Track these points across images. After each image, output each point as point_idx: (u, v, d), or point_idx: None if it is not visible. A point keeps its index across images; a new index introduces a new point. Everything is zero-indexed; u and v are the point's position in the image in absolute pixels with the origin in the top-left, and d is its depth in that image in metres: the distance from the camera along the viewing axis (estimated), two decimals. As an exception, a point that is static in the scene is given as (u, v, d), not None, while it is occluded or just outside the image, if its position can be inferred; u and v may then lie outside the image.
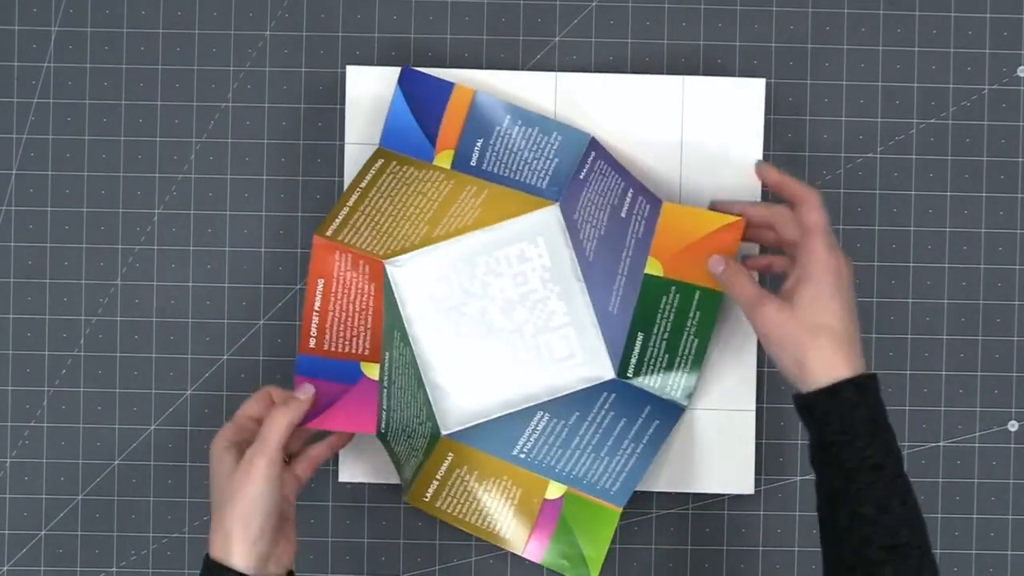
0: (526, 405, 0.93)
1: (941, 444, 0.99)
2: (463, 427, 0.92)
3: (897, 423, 0.99)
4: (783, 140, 0.99)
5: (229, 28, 0.99)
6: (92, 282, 0.99)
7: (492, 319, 0.92)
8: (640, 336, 0.94)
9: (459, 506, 0.92)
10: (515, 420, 0.93)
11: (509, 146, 0.94)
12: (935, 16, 0.99)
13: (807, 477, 0.99)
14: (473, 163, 0.93)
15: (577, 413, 0.93)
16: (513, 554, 0.99)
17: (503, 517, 0.93)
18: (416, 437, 0.92)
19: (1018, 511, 0.99)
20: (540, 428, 0.93)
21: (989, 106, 0.99)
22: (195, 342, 0.99)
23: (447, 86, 0.94)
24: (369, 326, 0.91)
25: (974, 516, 0.99)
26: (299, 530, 0.99)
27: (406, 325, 0.91)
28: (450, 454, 0.92)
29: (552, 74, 0.97)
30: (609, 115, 0.97)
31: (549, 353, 0.93)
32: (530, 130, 0.94)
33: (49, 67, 0.99)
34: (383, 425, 0.91)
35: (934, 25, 0.99)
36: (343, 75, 0.98)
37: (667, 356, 0.94)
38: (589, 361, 0.93)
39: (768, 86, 0.98)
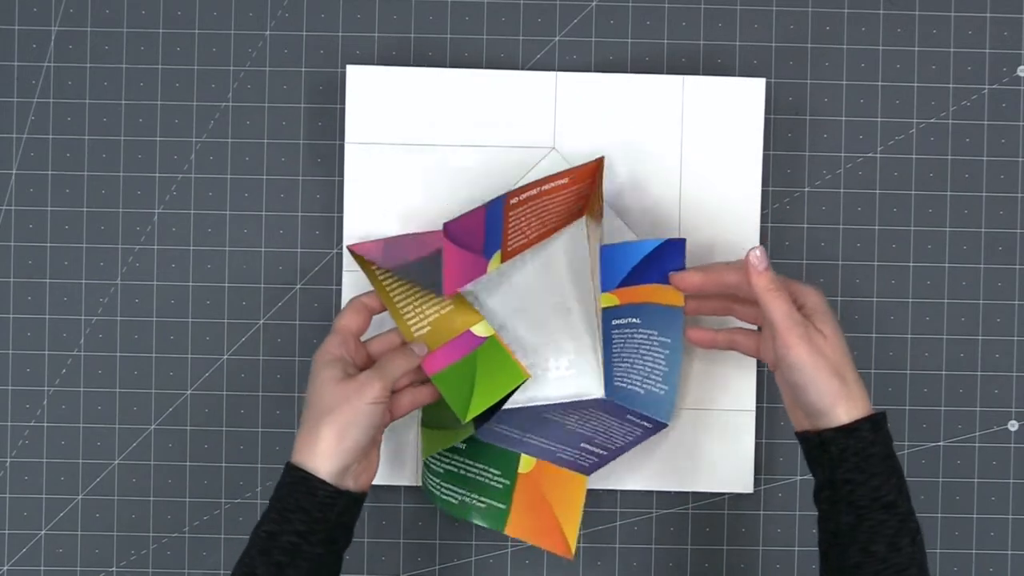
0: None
1: (941, 444, 0.99)
2: None
3: (897, 423, 0.99)
4: (783, 140, 0.99)
5: (229, 28, 0.99)
6: (92, 282, 0.99)
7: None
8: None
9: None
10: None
11: None
12: (935, 16, 0.99)
13: (807, 477, 0.99)
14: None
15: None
16: (513, 553, 0.99)
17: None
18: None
19: (1018, 511, 0.99)
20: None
21: (989, 106, 0.99)
22: (195, 342, 0.99)
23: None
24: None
25: (974, 516, 0.99)
26: (299, 530, 0.99)
27: None
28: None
29: (552, 74, 0.97)
30: (609, 115, 0.97)
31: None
32: None
33: (49, 67, 0.99)
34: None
35: (934, 25, 0.99)
36: (343, 75, 0.98)
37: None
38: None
39: (768, 86, 0.98)
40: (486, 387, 0.91)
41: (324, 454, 0.83)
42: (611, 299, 0.93)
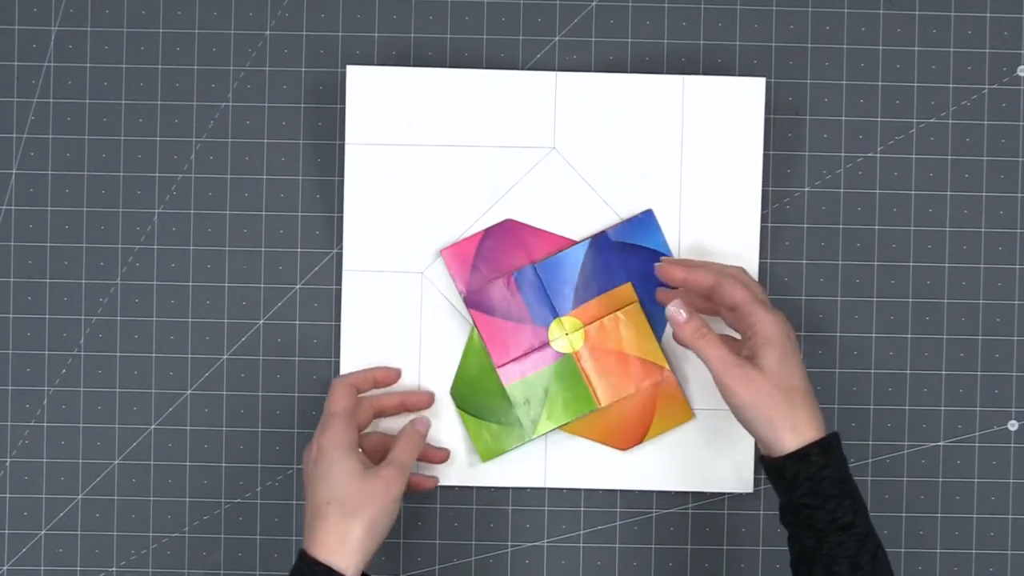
0: None
1: (941, 444, 0.99)
2: None
3: (897, 423, 0.99)
4: (783, 140, 0.99)
5: (229, 28, 0.99)
6: (92, 282, 0.99)
7: None
8: None
9: None
10: None
11: None
12: (935, 16, 0.99)
13: (807, 477, 0.99)
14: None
15: None
16: (513, 554, 0.99)
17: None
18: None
19: (1018, 511, 0.99)
20: None
21: (989, 106, 0.99)
22: (195, 342, 0.99)
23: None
24: None
25: (974, 516, 0.99)
26: (299, 530, 0.99)
27: None
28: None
29: (552, 74, 0.97)
30: (609, 115, 0.97)
31: None
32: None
33: (49, 67, 0.99)
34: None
35: (934, 25, 0.99)
36: (343, 75, 0.98)
37: None
38: None
39: (768, 86, 0.98)
40: (556, 409, 0.96)
41: (354, 551, 0.84)
42: (575, 323, 0.96)
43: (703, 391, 0.97)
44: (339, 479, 0.86)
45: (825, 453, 0.83)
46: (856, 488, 0.84)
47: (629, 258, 0.96)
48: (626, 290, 0.96)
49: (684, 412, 0.96)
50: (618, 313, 0.96)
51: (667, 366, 0.96)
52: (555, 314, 0.96)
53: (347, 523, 0.84)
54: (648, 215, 0.96)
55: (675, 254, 0.97)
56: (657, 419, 0.96)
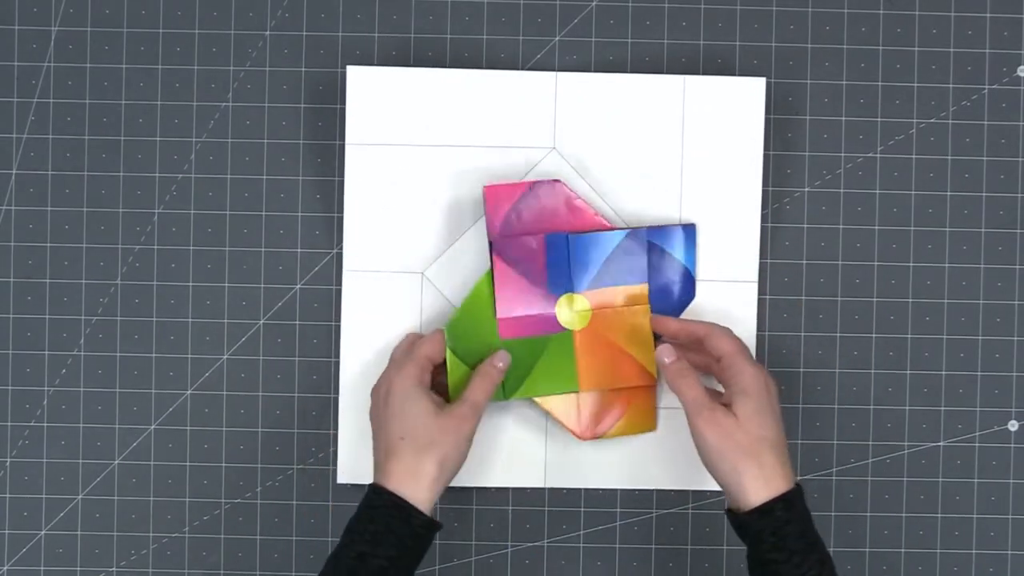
0: None
1: (941, 444, 0.99)
2: None
3: (897, 423, 0.99)
4: (783, 140, 0.99)
5: (229, 28, 0.99)
6: (92, 282, 0.99)
7: None
8: None
9: None
10: None
11: None
12: (935, 16, 0.99)
13: (807, 477, 0.99)
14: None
15: None
16: (513, 554, 0.99)
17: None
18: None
19: (1018, 511, 0.99)
20: None
21: (989, 106, 0.99)
22: (195, 342, 0.99)
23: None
24: None
25: (974, 516, 0.99)
26: (299, 530, 0.99)
27: None
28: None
29: (552, 74, 0.97)
30: (609, 115, 0.97)
31: None
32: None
33: (49, 67, 0.99)
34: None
35: (934, 25, 0.99)
36: (343, 75, 0.98)
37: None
38: None
39: (768, 86, 0.98)
40: (539, 379, 0.95)
41: (426, 486, 0.86)
42: (584, 303, 0.95)
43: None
44: (413, 416, 0.87)
45: (788, 508, 0.84)
46: (821, 541, 0.85)
47: (656, 262, 0.96)
48: (641, 290, 0.96)
49: (649, 421, 0.96)
50: (626, 309, 0.95)
51: (655, 376, 0.96)
52: (570, 288, 0.95)
53: (419, 458, 0.86)
54: (691, 229, 0.96)
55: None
56: (623, 421, 0.96)
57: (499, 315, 0.95)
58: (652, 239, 0.96)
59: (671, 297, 0.96)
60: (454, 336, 0.94)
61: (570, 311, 0.95)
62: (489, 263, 0.95)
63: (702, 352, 0.92)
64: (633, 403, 0.96)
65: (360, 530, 0.85)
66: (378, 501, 0.85)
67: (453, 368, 0.93)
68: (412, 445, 0.87)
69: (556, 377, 0.95)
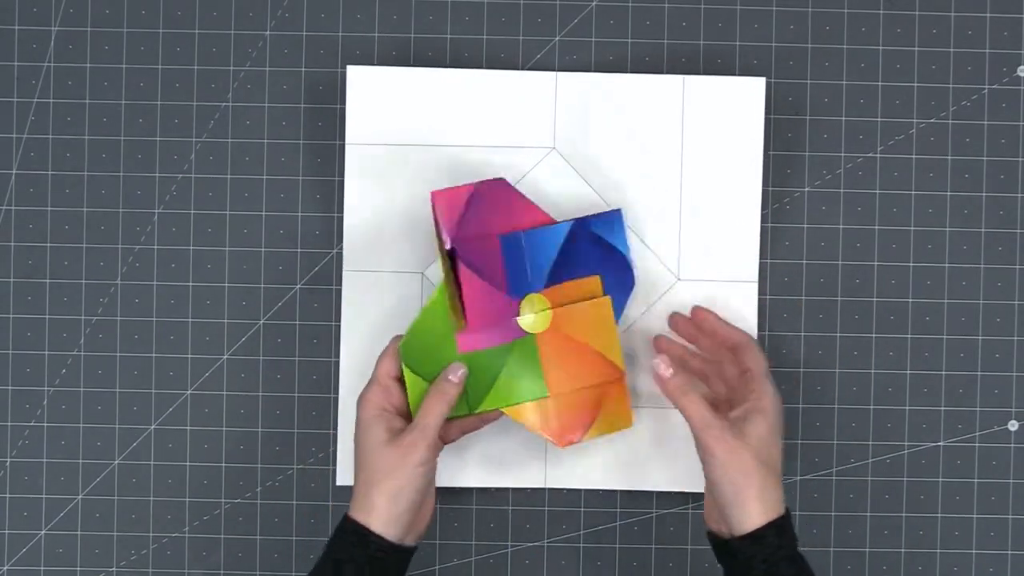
0: None
1: (941, 444, 0.99)
2: None
3: (897, 423, 0.99)
4: (783, 140, 0.99)
5: (229, 28, 0.99)
6: (92, 282, 0.99)
7: None
8: None
9: None
10: None
11: None
12: (935, 16, 0.99)
13: (807, 477, 0.99)
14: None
15: None
16: (513, 554, 0.99)
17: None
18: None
19: (1018, 511, 0.99)
20: None
21: (989, 106, 0.99)
22: (195, 342, 0.99)
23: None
24: None
25: (974, 516, 0.99)
26: (299, 530, 0.99)
27: None
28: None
29: (552, 74, 0.97)
30: (609, 115, 0.97)
31: None
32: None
33: (49, 67, 0.99)
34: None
35: (934, 25, 0.99)
36: (343, 75, 0.98)
37: None
38: None
39: (768, 86, 0.98)
40: (505, 388, 0.91)
41: (380, 519, 0.85)
42: (544, 303, 0.92)
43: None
44: (365, 448, 0.87)
45: (780, 534, 0.83)
46: (808, 567, 0.84)
47: (600, 252, 0.93)
48: (594, 282, 0.93)
49: (625, 418, 0.93)
50: (587, 303, 0.92)
51: (623, 368, 0.93)
52: (529, 289, 0.91)
53: (368, 492, 0.85)
54: (618, 213, 0.94)
55: (675, 253, 0.97)
56: (599, 420, 0.92)
57: (470, 325, 0.90)
58: (594, 228, 0.93)
59: (616, 287, 0.93)
60: (411, 354, 0.90)
61: (531, 313, 0.91)
62: (442, 274, 0.91)
63: (731, 355, 0.92)
64: (605, 401, 0.93)
65: (327, 557, 0.86)
66: (342, 525, 0.86)
67: (412, 386, 0.90)
68: (363, 478, 0.86)
69: (523, 384, 0.91)
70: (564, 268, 0.92)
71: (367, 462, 0.86)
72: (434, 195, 0.90)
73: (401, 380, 0.90)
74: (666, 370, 0.87)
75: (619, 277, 0.94)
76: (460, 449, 0.97)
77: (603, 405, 0.93)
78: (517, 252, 0.91)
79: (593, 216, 0.94)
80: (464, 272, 0.90)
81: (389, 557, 0.85)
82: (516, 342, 0.91)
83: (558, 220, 0.93)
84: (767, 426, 0.86)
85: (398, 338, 0.90)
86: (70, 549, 0.99)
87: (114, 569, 0.99)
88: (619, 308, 0.94)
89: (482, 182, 0.91)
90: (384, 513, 0.84)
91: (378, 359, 0.90)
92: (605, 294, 0.93)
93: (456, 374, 0.89)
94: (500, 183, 0.92)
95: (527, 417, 0.92)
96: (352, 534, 0.85)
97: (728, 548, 0.84)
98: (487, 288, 0.90)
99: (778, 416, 0.87)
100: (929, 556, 0.99)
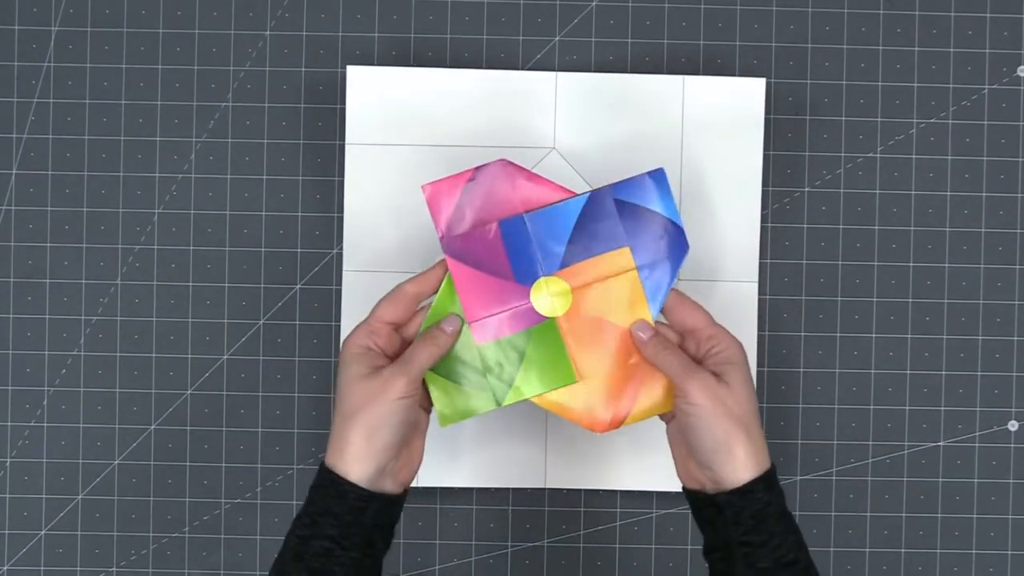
0: None
1: (941, 444, 0.99)
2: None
3: (897, 423, 0.99)
4: (783, 140, 0.99)
5: (229, 28, 0.99)
6: (92, 282, 0.99)
7: None
8: None
9: None
10: None
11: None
12: (935, 16, 0.99)
13: (806, 477, 0.99)
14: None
15: None
16: (513, 554, 0.99)
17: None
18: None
19: (1018, 511, 0.99)
20: None
21: (989, 106, 0.99)
22: (195, 342, 0.99)
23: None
24: None
25: (974, 516, 0.99)
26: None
27: None
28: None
29: (552, 74, 0.97)
30: (609, 115, 0.97)
31: None
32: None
33: (49, 67, 0.99)
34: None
35: (934, 25, 0.99)
36: (343, 75, 0.98)
37: None
38: None
39: (768, 86, 0.98)
40: (530, 377, 0.87)
41: (354, 457, 0.80)
42: (562, 285, 0.87)
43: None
44: (342, 385, 0.82)
45: (769, 488, 0.80)
46: (796, 524, 0.81)
47: (631, 220, 0.87)
48: (623, 256, 0.87)
49: (668, 398, 0.86)
50: (611, 280, 0.87)
51: None
52: (541, 272, 0.86)
53: (344, 428, 0.80)
54: (659, 174, 0.87)
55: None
56: (640, 403, 0.86)
57: (469, 319, 0.86)
58: (620, 196, 0.87)
59: (661, 255, 0.87)
60: None
61: (548, 296, 0.86)
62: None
63: (672, 326, 0.86)
64: (646, 380, 0.86)
65: (304, 511, 0.81)
66: (317, 480, 0.81)
67: (435, 385, 0.86)
68: (339, 414, 0.81)
69: (550, 372, 0.86)
70: (584, 245, 0.87)
71: (343, 396, 0.81)
72: (424, 188, 0.87)
73: (394, 325, 0.85)
74: (643, 332, 0.85)
75: (664, 244, 0.87)
76: (460, 449, 0.97)
77: (642, 387, 0.87)
78: (521, 236, 0.87)
79: (617, 184, 0.87)
80: (452, 264, 0.86)
81: (369, 505, 0.80)
82: (535, 328, 0.86)
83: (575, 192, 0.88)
84: (741, 375, 0.82)
85: (401, 284, 0.86)
86: (70, 549, 0.99)
87: (114, 569, 0.99)
88: (669, 275, 0.87)
89: (482, 166, 0.87)
90: (359, 450, 0.79)
91: (379, 301, 0.85)
92: (639, 265, 0.87)
93: (451, 324, 0.85)
94: (501, 165, 0.87)
95: (559, 405, 0.87)
96: (328, 486, 0.80)
97: (713, 502, 0.80)
98: (482, 277, 0.86)
99: (747, 363, 0.83)
100: (929, 556, 0.99)
